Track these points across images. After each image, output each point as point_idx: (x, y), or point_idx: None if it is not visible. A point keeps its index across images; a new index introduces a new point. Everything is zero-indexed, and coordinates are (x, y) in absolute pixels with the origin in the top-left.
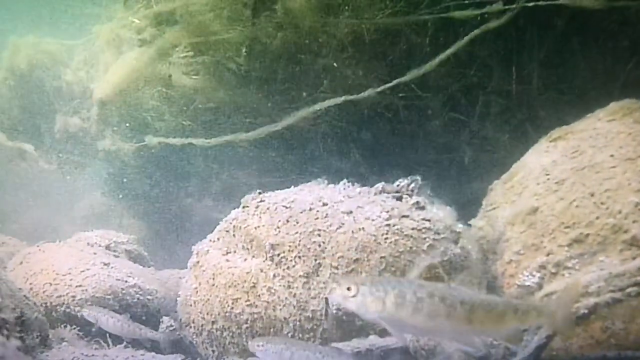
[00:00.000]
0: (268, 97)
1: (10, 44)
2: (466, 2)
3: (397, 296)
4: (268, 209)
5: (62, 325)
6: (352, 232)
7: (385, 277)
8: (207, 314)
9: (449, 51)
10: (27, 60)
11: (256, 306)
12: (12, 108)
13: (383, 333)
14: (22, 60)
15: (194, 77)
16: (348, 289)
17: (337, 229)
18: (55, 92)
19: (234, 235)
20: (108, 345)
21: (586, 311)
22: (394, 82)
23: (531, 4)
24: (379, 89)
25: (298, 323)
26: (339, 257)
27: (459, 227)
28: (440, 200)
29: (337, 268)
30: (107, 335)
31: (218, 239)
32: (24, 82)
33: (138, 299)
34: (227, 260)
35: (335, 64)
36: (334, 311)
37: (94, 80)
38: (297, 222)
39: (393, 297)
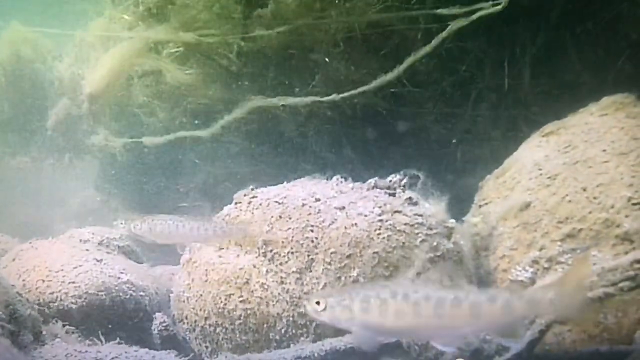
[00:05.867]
0: (260, 93)
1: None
2: None
3: (362, 301)
4: (260, 204)
5: (55, 322)
6: (345, 227)
7: (356, 284)
8: (200, 310)
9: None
10: (17, 55)
11: (249, 302)
12: (2, 103)
13: None
14: (12, 55)
15: (186, 72)
16: (317, 303)
17: (330, 224)
18: (46, 87)
19: None
20: (101, 342)
21: None
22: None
23: None
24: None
25: (291, 319)
26: (331, 253)
27: (452, 222)
28: (433, 195)
29: (330, 264)
30: (100, 332)
31: None
32: (15, 77)
33: (131, 295)
34: (220, 257)
35: (327, 60)
36: None
37: (85, 76)
38: (290, 218)
39: (359, 303)
